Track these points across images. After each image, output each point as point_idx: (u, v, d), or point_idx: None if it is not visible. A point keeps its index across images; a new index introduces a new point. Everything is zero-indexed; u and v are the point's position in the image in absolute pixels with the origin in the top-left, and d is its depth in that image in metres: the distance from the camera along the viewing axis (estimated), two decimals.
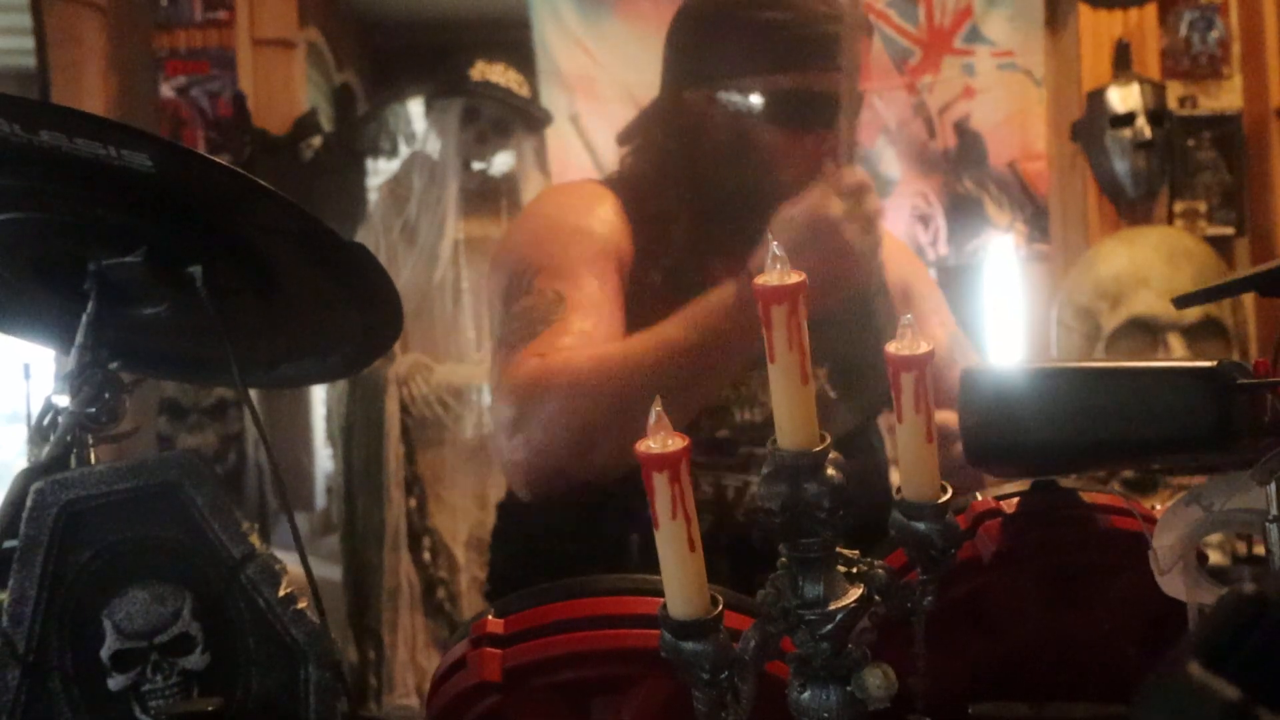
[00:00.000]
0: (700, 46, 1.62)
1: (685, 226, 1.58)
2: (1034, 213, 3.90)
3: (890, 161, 3.90)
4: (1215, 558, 2.80)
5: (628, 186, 1.64)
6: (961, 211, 3.92)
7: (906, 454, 0.79)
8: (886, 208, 4.00)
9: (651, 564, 0.76)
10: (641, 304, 1.53)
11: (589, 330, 1.46)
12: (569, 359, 1.42)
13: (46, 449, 1.05)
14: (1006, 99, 3.88)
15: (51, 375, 1.09)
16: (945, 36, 3.87)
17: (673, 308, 1.49)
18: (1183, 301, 1.07)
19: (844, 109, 1.46)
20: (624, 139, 1.71)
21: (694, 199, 1.58)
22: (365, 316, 1.14)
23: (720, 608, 0.75)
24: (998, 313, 3.99)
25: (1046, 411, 0.95)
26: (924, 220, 3.93)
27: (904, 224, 3.90)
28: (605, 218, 1.58)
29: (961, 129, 3.90)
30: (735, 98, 1.56)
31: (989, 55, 3.87)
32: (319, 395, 3.91)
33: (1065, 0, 3.85)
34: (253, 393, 1.30)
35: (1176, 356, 3.15)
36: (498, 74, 3.34)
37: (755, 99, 1.54)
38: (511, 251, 1.65)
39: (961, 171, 3.91)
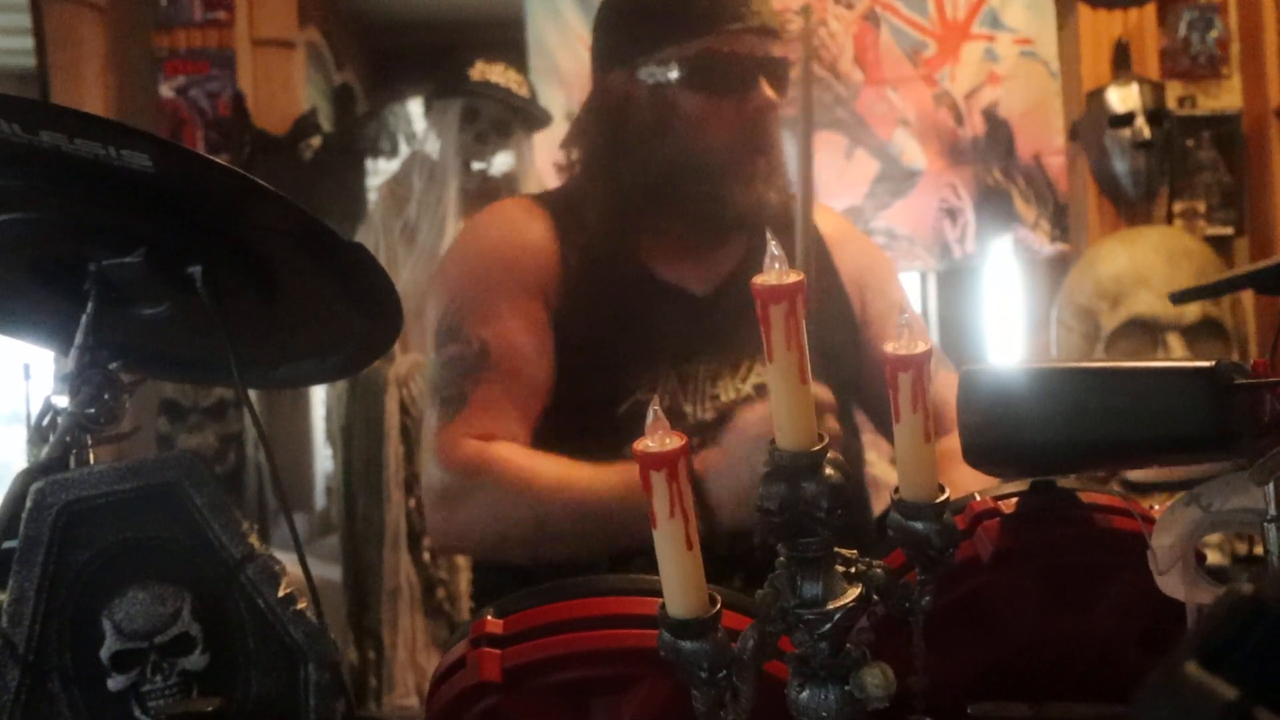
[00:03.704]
0: (619, 27, 1.65)
1: (610, 213, 1.60)
2: (1055, 210, 3.87)
3: (914, 153, 3.85)
4: (1214, 558, 2.80)
5: (562, 195, 1.67)
6: (990, 205, 3.84)
7: (904, 454, 0.79)
8: (911, 201, 3.92)
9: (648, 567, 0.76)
10: (573, 315, 1.57)
11: (508, 393, 1.53)
12: (501, 465, 1.49)
13: (46, 449, 1.05)
14: (1028, 88, 3.83)
15: (51, 375, 1.09)
16: (960, 27, 3.84)
17: (607, 308, 1.56)
18: (1180, 298, 1.07)
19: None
20: (565, 142, 1.74)
21: (621, 182, 1.60)
22: (365, 317, 1.14)
23: (718, 607, 0.75)
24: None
25: (1046, 411, 0.95)
26: (952, 215, 3.87)
27: (931, 218, 3.85)
28: (534, 241, 1.61)
29: (990, 116, 3.84)
30: (654, 70, 1.59)
31: (1011, 41, 3.83)
32: (319, 395, 3.91)
33: (1065, 0, 3.85)
34: (252, 393, 1.30)
35: (1176, 356, 3.15)
36: (497, 74, 3.34)
37: (673, 69, 1.57)
38: (443, 287, 1.69)
39: (991, 161, 3.86)
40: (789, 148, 1.65)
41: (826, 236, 1.71)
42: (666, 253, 1.62)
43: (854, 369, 1.58)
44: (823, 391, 1.43)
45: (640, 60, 1.60)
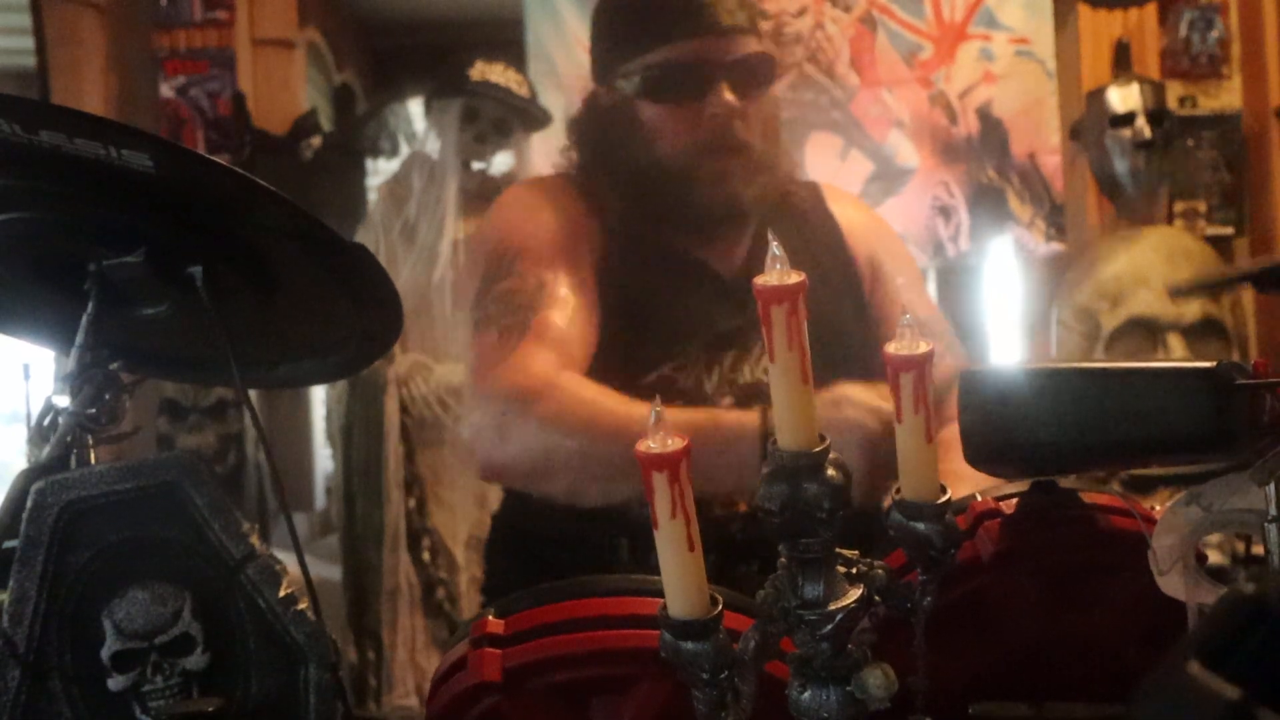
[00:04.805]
0: (599, 41, 1.69)
1: (616, 214, 1.63)
2: (1051, 209, 3.87)
3: (908, 153, 3.85)
4: (1215, 558, 2.80)
5: (576, 180, 1.70)
6: (984, 204, 3.83)
7: (906, 454, 0.79)
8: (903, 199, 3.94)
9: (641, 568, 0.77)
10: (611, 285, 1.59)
11: (565, 330, 1.53)
12: (568, 389, 1.47)
13: (46, 449, 1.05)
14: (1024, 87, 3.83)
15: (51, 375, 1.09)
16: (957, 29, 3.84)
17: (644, 279, 1.58)
18: (1179, 291, 1.07)
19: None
20: (563, 149, 1.76)
21: (615, 187, 1.63)
22: (365, 317, 1.14)
23: (720, 608, 0.75)
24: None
25: (1046, 411, 0.95)
26: (945, 212, 3.87)
27: (924, 216, 3.85)
28: (579, 209, 1.64)
29: (984, 115, 3.84)
30: (622, 83, 1.62)
31: (1006, 41, 3.84)
32: (319, 395, 3.91)
33: (1065, 0, 3.85)
34: (252, 393, 1.30)
35: (1176, 357, 3.15)
36: (497, 74, 3.34)
37: (635, 80, 1.60)
38: (490, 235, 1.71)
39: (985, 160, 3.86)
40: (859, 163, 1.67)
41: (842, 221, 1.73)
42: (689, 234, 1.63)
43: (858, 345, 1.58)
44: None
45: (614, 73, 1.63)
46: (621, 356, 1.55)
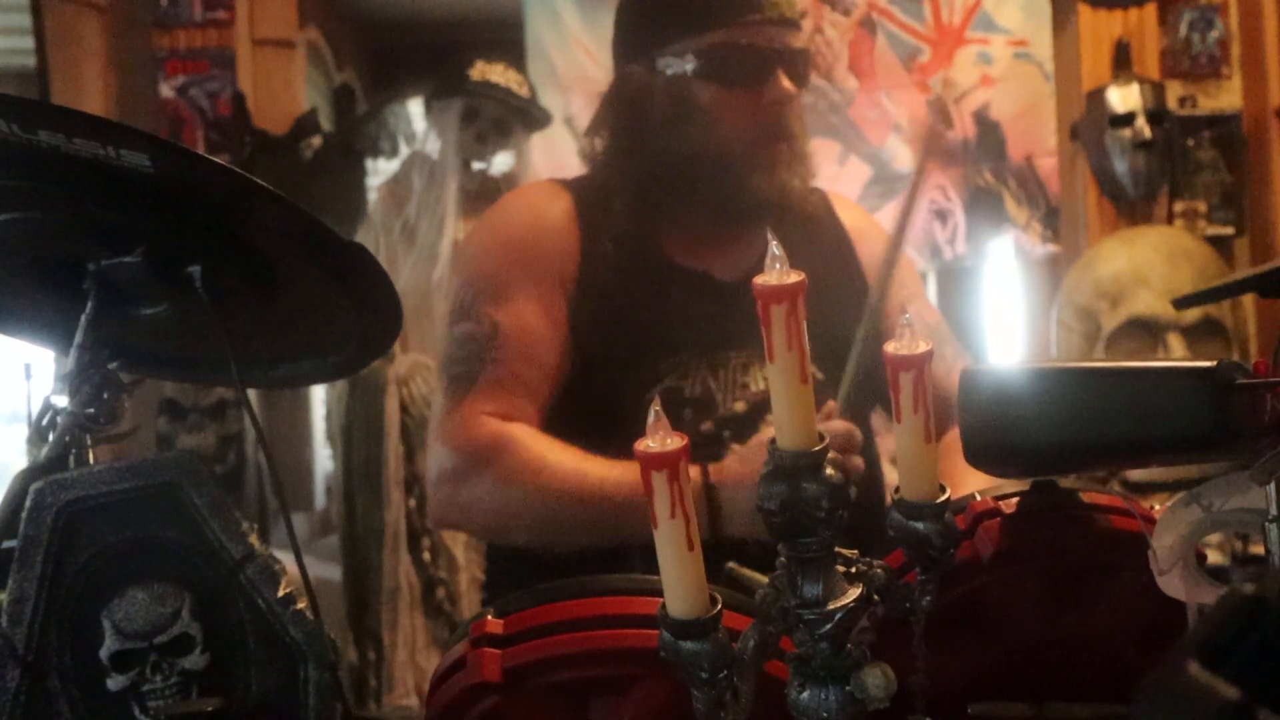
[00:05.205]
0: (639, 18, 1.67)
1: (631, 200, 1.61)
2: (1047, 211, 3.87)
3: (905, 157, 3.84)
4: (1215, 558, 2.80)
5: (586, 181, 1.68)
6: (981, 207, 3.84)
7: (905, 454, 0.79)
8: (901, 203, 3.94)
9: (650, 567, 0.77)
10: (592, 300, 1.57)
11: (521, 373, 1.53)
12: (516, 447, 1.48)
13: (45, 449, 1.05)
14: (1022, 90, 3.83)
15: (51, 375, 1.09)
16: (955, 32, 3.84)
17: (629, 293, 1.56)
18: (1183, 303, 1.07)
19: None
20: (588, 131, 1.74)
21: (641, 171, 1.61)
22: (365, 317, 1.14)
23: (719, 607, 0.75)
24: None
25: (1046, 411, 0.95)
26: (942, 216, 3.87)
27: (920, 220, 3.84)
28: (554, 224, 1.61)
29: (981, 118, 3.84)
30: (672, 62, 1.59)
31: (1005, 44, 3.83)
32: (319, 395, 3.91)
33: (1065, 0, 3.85)
34: (252, 393, 1.31)
35: (1176, 356, 3.15)
36: (497, 74, 3.34)
37: (691, 60, 1.58)
38: (462, 266, 1.72)
39: (981, 163, 3.86)
40: (857, 168, 1.67)
41: (849, 229, 1.72)
42: (688, 240, 1.62)
43: (873, 360, 1.59)
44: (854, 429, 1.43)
45: (659, 51, 1.61)
46: (617, 375, 1.54)
